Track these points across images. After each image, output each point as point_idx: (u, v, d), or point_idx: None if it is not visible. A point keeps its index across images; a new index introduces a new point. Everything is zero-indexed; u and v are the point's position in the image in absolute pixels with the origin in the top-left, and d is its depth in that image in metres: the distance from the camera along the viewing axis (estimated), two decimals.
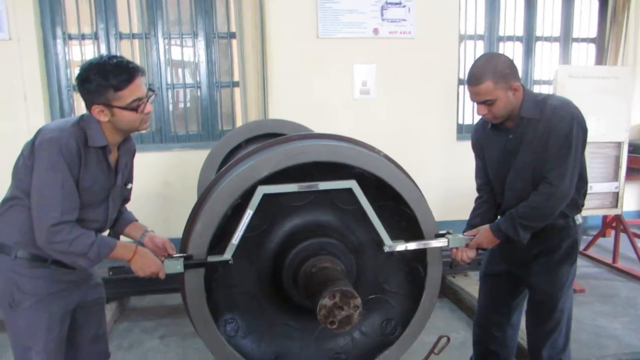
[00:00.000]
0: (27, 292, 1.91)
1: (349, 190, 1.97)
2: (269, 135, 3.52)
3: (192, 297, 1.91)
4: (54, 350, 1.98)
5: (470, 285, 3.95)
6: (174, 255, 1.94)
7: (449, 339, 2.25)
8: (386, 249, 2.04)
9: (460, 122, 5.52)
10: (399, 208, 2.11)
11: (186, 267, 1.88)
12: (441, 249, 2.14)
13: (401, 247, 2.06)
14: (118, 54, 1.91)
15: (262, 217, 1.97)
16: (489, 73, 2.06)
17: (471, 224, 2.40)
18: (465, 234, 2.27)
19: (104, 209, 2.01)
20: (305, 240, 2.01)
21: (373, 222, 2.01)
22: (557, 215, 2.16)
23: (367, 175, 2.01)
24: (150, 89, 1.94)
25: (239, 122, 5.06)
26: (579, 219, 2.28)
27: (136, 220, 2.26)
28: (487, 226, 2.23)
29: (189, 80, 5.16)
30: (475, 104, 2.18)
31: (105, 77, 1.81)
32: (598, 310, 3.85)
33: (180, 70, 5.18)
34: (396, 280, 2.22)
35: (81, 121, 1.90)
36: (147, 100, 1.92)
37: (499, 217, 2.32)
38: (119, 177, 2.05)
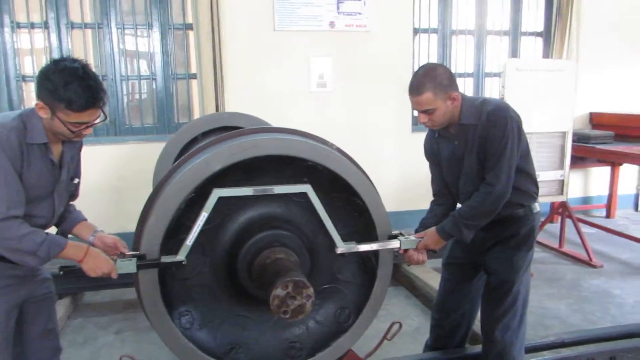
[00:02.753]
0: None
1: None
2: (225, 129, 3.52)
3: (146, 292, 1.91)
4: (1, 346, 1.95)
5: (425, 273, 4.06)
6: (127, 254, 1.93)
7: (400, 325, 2.33)
8: (338, 251, 2.10)
9: (415, 114, 5.62)
10: (352, 199, 2.16)
11: (139, 267, 1.87)
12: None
13: (353, 249, 2.12)
14: (92, 70, 1.85)
15: (217, 211, 1.98)
16: (429, 84, 2.18)
17: (424, 224, 2.48)
18: (415, 235, 2.36)
19: (49, 204, 1.98)
20: (259, 233, 2.04)
21: (326, 225, 2.05)
22: (515, 205, 2.30)
23: (320, 168, 2.05)
24: (100, 117, 1.90)
25: (196, 115, 5.02)
26: (536, 207, 2.43)
27: (85, 220, 2.23)
28: (433, 228, 2.34)
29: (144, 72, 5.07)
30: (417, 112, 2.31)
31: (66, 90, 1.76)
32: (544, 292, 4.04)
33: (135, 62, 5.09)
34: (350, 270, 2.28)
35: (23, 116, 1.85)
36: (89, 126, 1.88)
37: None
38: (63, 171, 2.01)
